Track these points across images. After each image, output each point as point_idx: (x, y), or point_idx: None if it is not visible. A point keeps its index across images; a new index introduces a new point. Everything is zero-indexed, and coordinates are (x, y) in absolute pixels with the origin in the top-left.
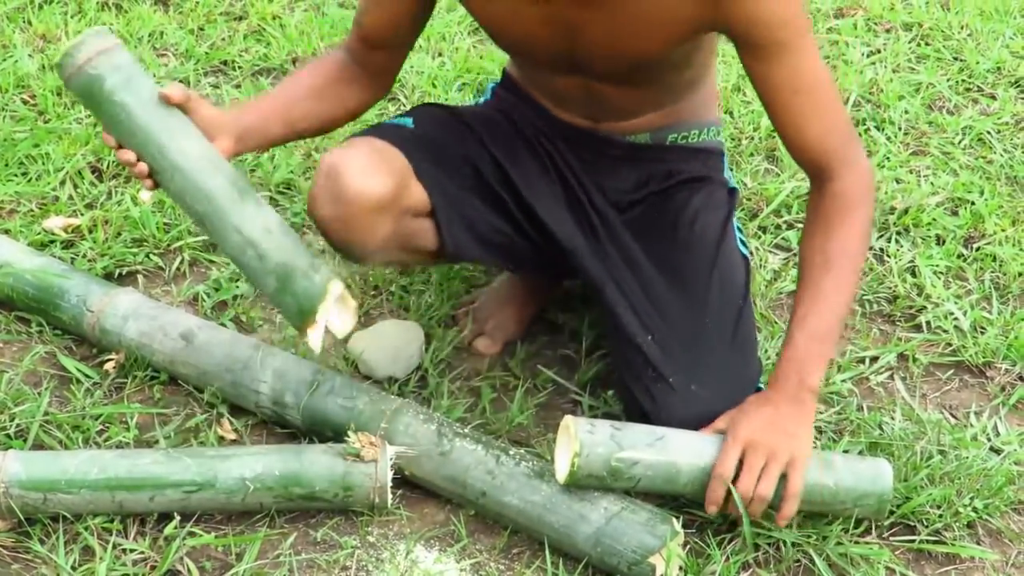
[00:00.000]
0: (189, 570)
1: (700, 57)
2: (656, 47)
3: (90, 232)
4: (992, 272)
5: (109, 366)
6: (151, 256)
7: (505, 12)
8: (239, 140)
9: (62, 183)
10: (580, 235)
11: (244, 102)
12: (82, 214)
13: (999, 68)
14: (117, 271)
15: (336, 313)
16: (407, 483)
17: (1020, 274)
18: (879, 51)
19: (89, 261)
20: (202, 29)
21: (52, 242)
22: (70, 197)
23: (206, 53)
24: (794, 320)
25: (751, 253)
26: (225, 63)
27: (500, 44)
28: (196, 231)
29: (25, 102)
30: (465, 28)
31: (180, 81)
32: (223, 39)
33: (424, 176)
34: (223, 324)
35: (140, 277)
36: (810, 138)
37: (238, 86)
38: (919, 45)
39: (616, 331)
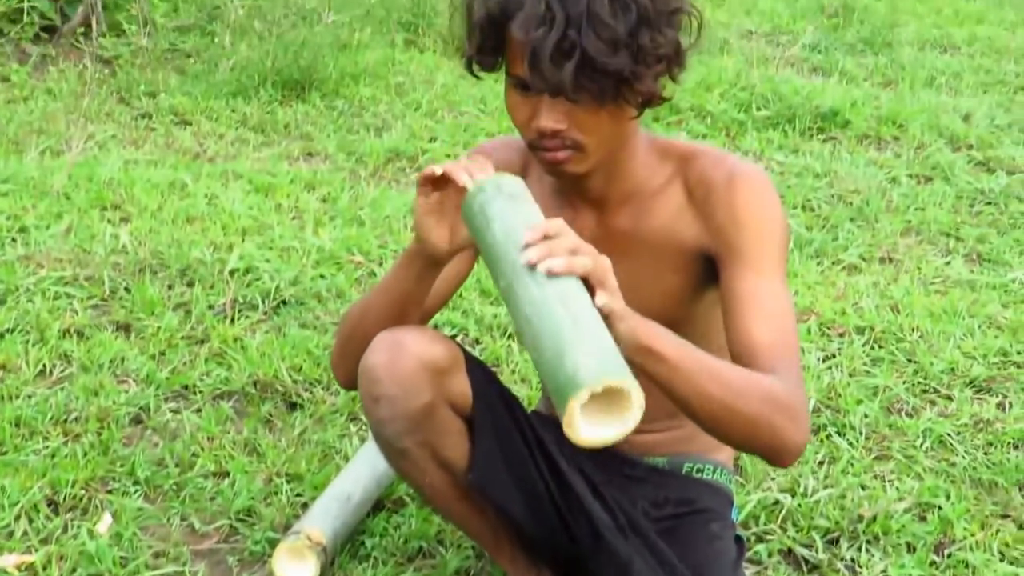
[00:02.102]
0: None
1: None
2: (670, 292)
3: (44, 569)
4: None
5: None
6: None
7: None
8: None
9: (17, 518)
10: (609, 518)
11: None
12: (37, 549)
13: (953, 369)
14: None
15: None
16: None
17: None
18: (834, 355)
19: None
20: (163, 354)
21: None
22: (24, 532)
23: (167, 378)
24: (679, 341)
25: None
26: (186, 387)
27: None
28: (154, 564)
29: None
30: None
31: (140, 409)
32: (184, 363)
33: (473, 373)
34: None
35: None
36: (756, 344)
37: (199, 410)
38: (873, 348)
39: None
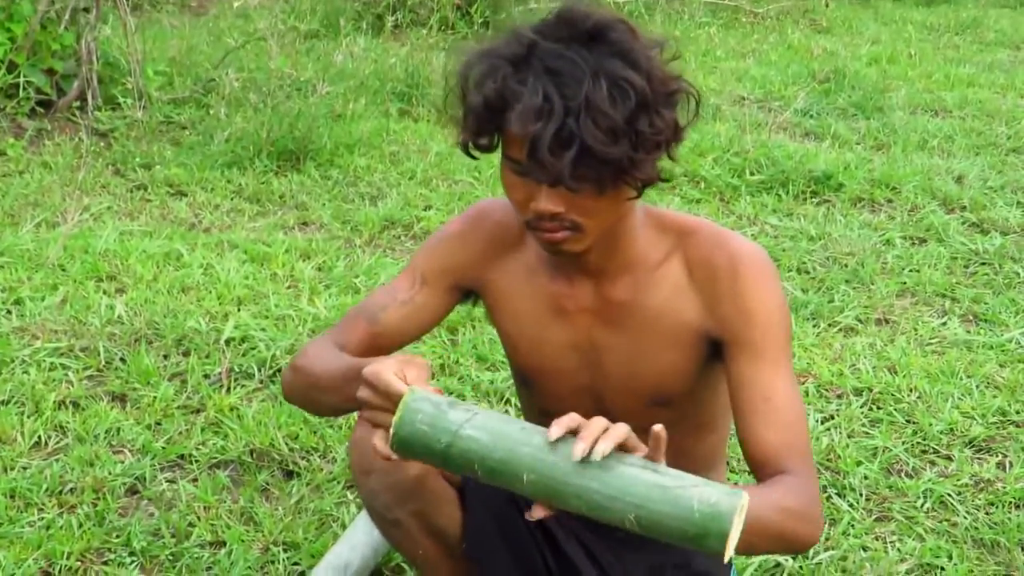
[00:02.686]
0: None
1: (713, 439)
2: (668, 368)
3: None
4: None
5: None
6: None
7: (533, 334)
8: None
9: None
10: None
11: None
12: None
13: (952, 429)
14: None
15: None
16: None
17: None
18: (832, 417)
19: None
20: (159, 424)
21: None
22: None
23: (163, 448)
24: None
25: None
26: (182, 457)
27: (525, 373)
28: None
29: None
30: None
31: (136, 479)
32: (180, 433)
33: None
34: None
35: None
36: (770, 447)
37: (195, 480)
38: (871, 409)
39: None
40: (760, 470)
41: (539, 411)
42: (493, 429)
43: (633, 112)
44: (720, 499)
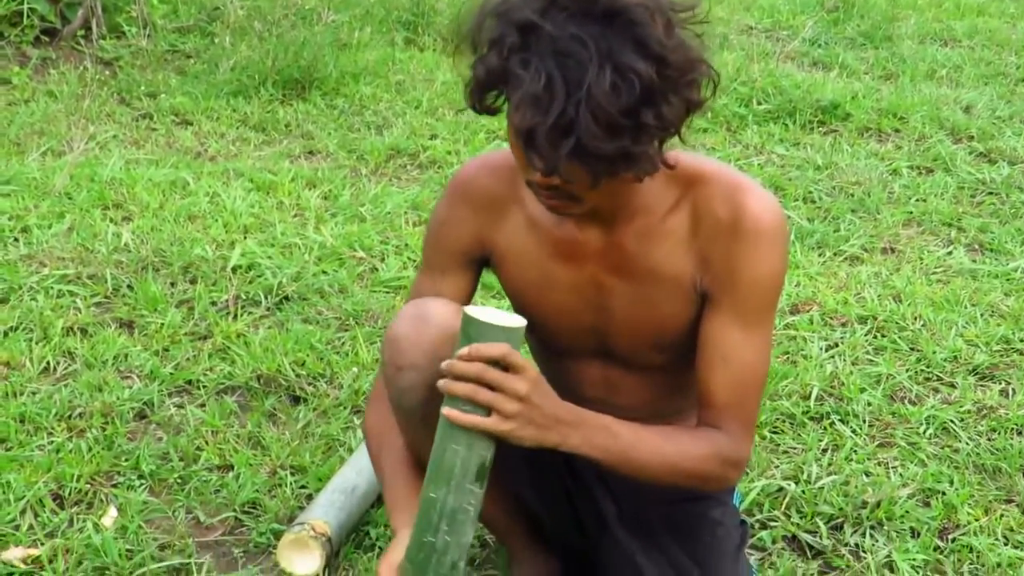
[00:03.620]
0: None
1: None
2: (670, 317)
3: (50, 562)
4: (971, 564)
5: None
6: None
7: (538, 279)
8: None
9: (22, 512)
10: (615, 508)
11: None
12: (42, 543)
13: (955, 357)
14: None
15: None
16: None
17: (998, 564)
18: (837, 344)
19: None
20: (167, 350)
21: (11, 575)
22: (30, 527)
23: (171, 373)
24: (635, 426)
25: None
26: (190, 382)
27: (530, 320)
28: (159, 556)
29: None
30: None
31: (144, 404)
32: (187, 359)
33: None
34: None
35: None
36: (716, 403)
37: (203, 405)
38: (875, 337)
39: None
40: (702, 413)
41: (546, 353)
42: None
43: (636, 105)
44: None
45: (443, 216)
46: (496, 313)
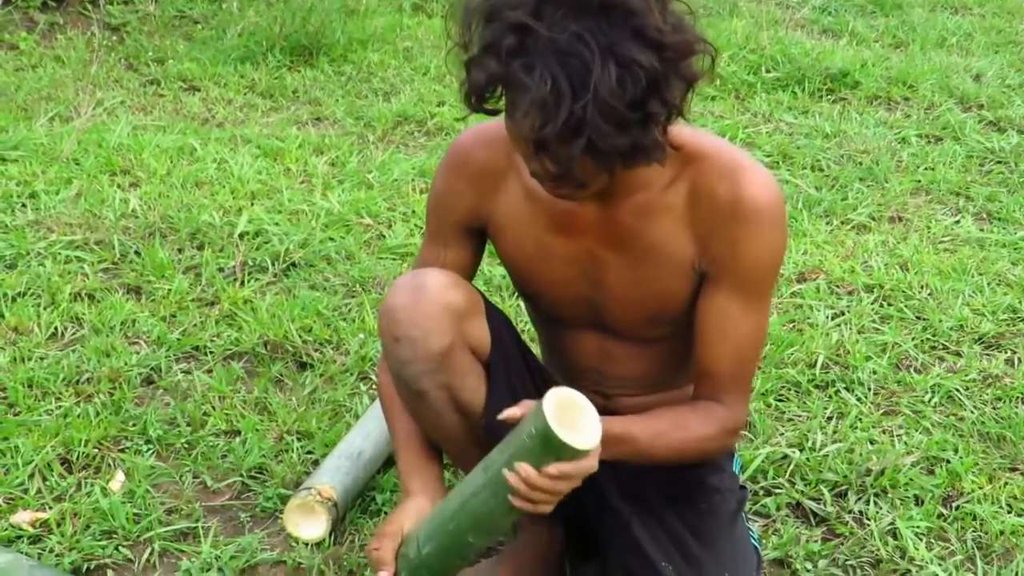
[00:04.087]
0: None
1: None
2: (667, 293)
3: (58, 526)
4: (974, 531)
5: None
6: (120, 548)
7: (534, 248)
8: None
9: (31, 476)
10: (612, 477)
11: (409, 479)
12: (50, 507)
13: (962, 326)
14: (85, 565)
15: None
16: None
17: (1002, 532)
18: (843, 313)
19: (57, 556)
20: (174, 316)
21: (19, 538)
22: (38, 490)
23: (178, 339)
24: (648, 419)
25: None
26: (197, 348)
27: (526, 290)
28: (167, 520)
29: None
30: None
31: (152, 369)
32: (195, 325)
33: (492, 320)
34: None
35: (109, 571)
36: (714, 374)
37: (210, 371)
38: (882, 306)
39: (635, 559)
40: (698, 384)
41: (543, 322)
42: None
43: (643, 97)
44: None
45: (441, 188)
46: (572, 407)
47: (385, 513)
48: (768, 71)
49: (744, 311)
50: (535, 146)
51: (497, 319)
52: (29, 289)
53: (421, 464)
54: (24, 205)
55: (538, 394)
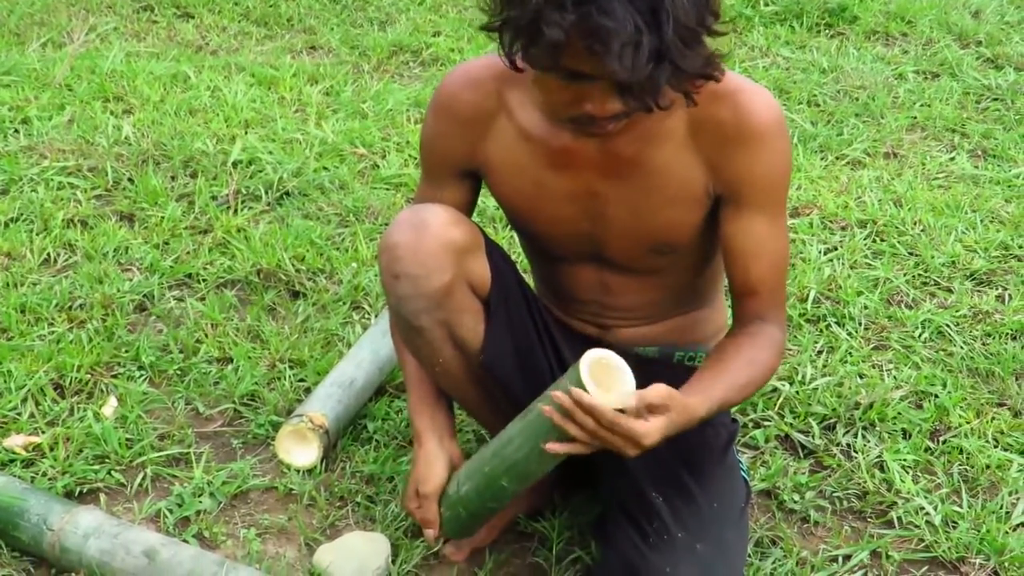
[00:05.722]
0: None
1: (709, 271)
2: (672, 222)
3: (51, 450)
4: (960, 465)
5: None
6: (113, 473)
7: (532, 188)
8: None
9: (23, 401)
10: None
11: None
12: (43, 432)
13: (954, 262)
14: (78, 489)
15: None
16: None
17: (987, 466)
18: (836, 248)
19: (50, 480)
20: (167, 243)
21: (12, 461)
22: (31, 415)
23: (171, 267)
24: (725, 375)
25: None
26: (190, 276)
27: (523, 228)
28: (159, 446)
29: None
30: None
31: (144, 296)
32: (187, 252)
33: (492, 257)
34: (186, 540)
35: (102, 495)
36: (754, 292)
37: (202, 298)
38: (874, 241)
39: (625, 487)
40: (740, 306)
41: (541, 258)
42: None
43: (703, 11)
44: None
45: (431, 132)
46: (609, 369)
47: (377, 441)
48: (766, 4)
49: (771, 226)
50: (622, 88)
51: (497, 255)
52: (22, 215)
53: (431, 403)
54: (16, 131)
55: (536, 331)
